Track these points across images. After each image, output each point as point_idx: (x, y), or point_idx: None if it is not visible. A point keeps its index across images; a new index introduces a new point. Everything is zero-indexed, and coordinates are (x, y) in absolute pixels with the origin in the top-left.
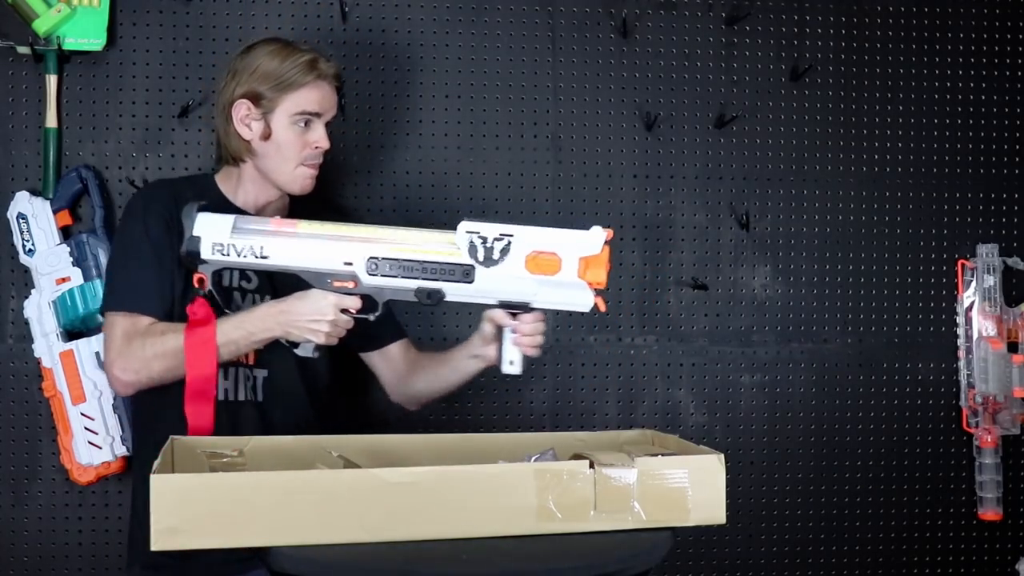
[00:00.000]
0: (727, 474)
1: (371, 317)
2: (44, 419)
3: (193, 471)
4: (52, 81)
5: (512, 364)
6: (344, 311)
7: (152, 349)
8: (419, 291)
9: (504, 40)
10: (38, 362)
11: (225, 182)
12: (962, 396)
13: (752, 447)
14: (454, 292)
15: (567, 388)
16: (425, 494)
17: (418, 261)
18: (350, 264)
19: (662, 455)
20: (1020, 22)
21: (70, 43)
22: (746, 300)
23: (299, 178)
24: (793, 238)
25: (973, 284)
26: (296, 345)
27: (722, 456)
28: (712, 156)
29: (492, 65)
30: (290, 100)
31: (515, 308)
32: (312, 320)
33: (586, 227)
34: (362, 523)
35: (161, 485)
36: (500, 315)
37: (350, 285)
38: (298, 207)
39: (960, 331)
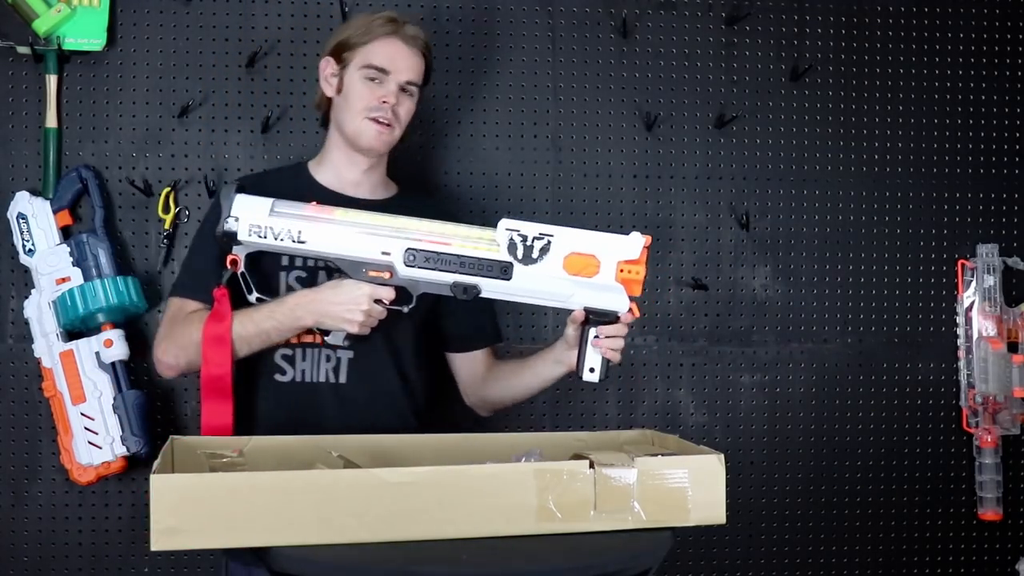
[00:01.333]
0: (727, 474)
1: (404, 309)
2: (44, 419)
3: (193, 471)
4: (52, 81)
5: (592, 371)
6: (378, 301)
7: (191, 336)
8: (455, 285)
9: (504, 40)
10: (38, 362)
11: (316, 164)
12: (962, 396)
13: (752, 447)
14: (490, 288)
15: (567, 388)
16: (425, 494)
17: (456, 255)
18: (387, 254)
19: (662, 455)
20: (1020, 22)
21: (70, 43)
22: (746, 300)
23: (364, 131)
24: (793, 238)
25: (973, 284)
26: (327, 333)
27: (722, 456)
28: (712, 156)
29: (492, 65)
30: (361, 54)
31: (598, 315)
32: (346, 309)
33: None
34: (362, 523)
35: (161, 485)
36: (580, 314)
37: (385, 275)
38: (399, 204)
39: (960, 331)
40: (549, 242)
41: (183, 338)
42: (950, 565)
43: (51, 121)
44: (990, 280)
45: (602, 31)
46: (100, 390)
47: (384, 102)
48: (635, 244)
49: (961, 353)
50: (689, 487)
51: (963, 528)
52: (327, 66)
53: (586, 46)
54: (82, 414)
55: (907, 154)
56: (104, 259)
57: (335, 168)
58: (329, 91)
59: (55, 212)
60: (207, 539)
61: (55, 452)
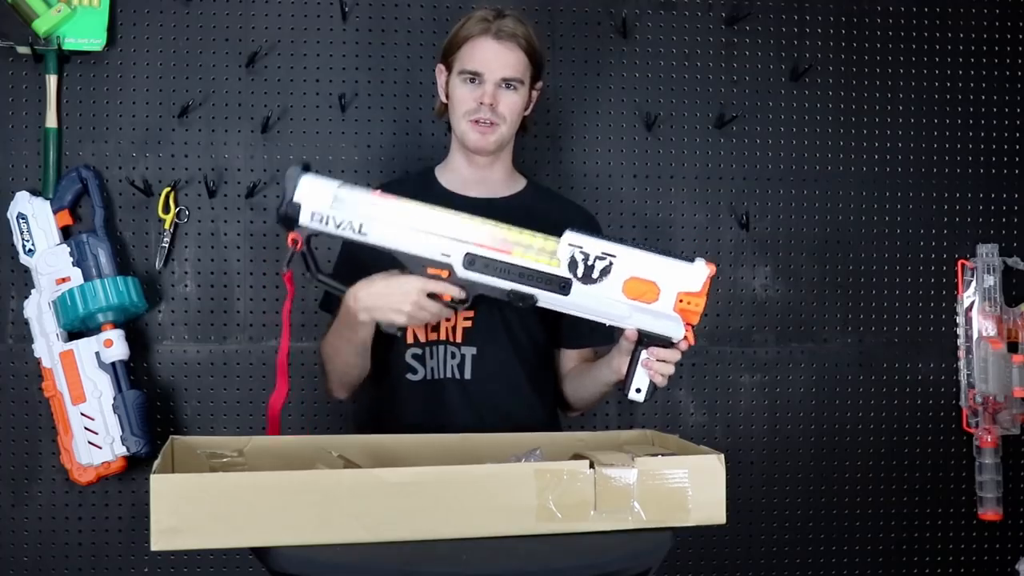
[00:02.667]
0: (727, 474)
1: (458, 308)
2: (44, 419)
3: (193, 471)
4: (52, 81)
5: (639, 392)
6: (432, 296)
7: (326, 357)
8: (512, 293)
9: None
10: (38, 362)
11: (441, 168)
12: (962, 396)
13: (752, 447)
14: (547, 300)
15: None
16: (425, 494)
17: (516, 265)
18: (448, 256)
19: (662, 455)
20: (1020, 22)
21: (70, 43)
22: (746, 300)
23: (467, 134)
24: (793, 238)
25: (973, 284)
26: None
27: (722, 456)
28: (712, 156)
29: None
30: (459, 58)
31: (652, 338)
32: (396, 300)
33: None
34: (362, 523)
35: (161, 485)
36: (632, 333)
37: (444, 274)
38: (518, 203)
39: (960, 331)
40: (611, 263)
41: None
42: (950, 565)
43: (51, 121)
44: (990, 280)
45: (602, 31)
46: (100, 390)
47: (481, 103)
48: (699, 275)
49: (961, 353)
50: (689, 487)
51: (963, 528)
52: (440, 73)
53: (586, 46)
54: (82, 414)
55: (907, 154)
56: (104, 259)
57: (457, 170)
58: (443, 97)
59: (55, 212)
60: (207, 539)
61: (55, 452)
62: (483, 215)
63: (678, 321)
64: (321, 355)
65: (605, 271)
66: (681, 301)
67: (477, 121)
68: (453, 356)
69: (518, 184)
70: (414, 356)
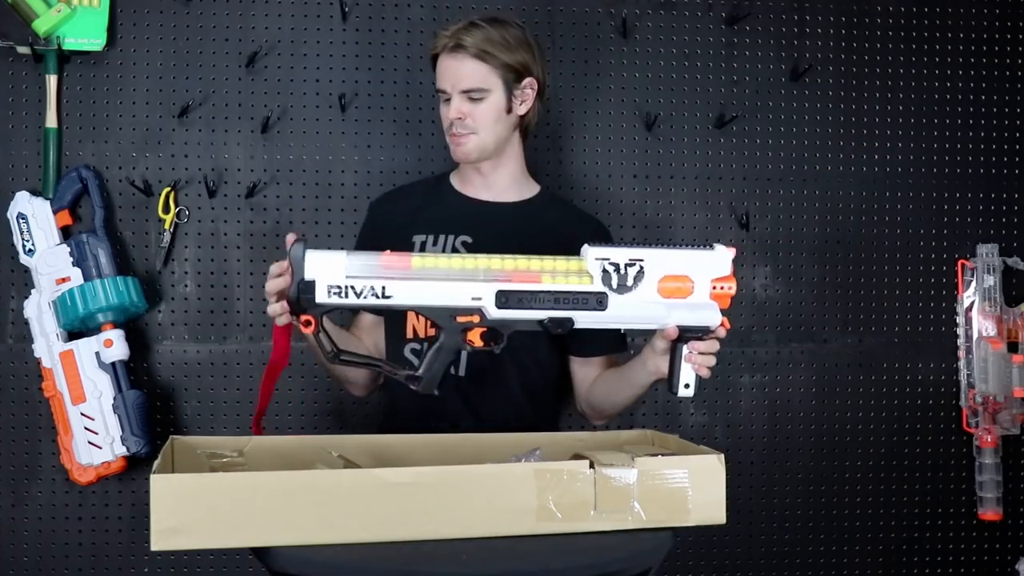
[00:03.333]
0: (727, 474)
1: (496, 350)
2: (44, 419)
3: (193, 471)
4: (52, 81)
5: (687, 387)
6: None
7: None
8: (549, 321)
9: None
10: (38, 362)
11: (455, 172)
12: (962, 396)
13: (752, 447)
14: (584, 320)
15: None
16: (425, 494)
17: (550, 292)
18: (479, 299)
19: (662, 455)
20: (1020, 22)
21: (70, 43)
22: (746, 300)
23: (450, 147)
24: (793, 238)
25: (973, 284)
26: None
27: (722, 456)
28: (712, 156)
29: None
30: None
31: (691, 331)
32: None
33: None
34: (362, 523)
35: (161, 485)
36: (673, 331)
37: (475, 319)
38: (527, 209)
39: (960, 331)
40: (642, 268)
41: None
42: (950, 565)
43: (51, 121)
44: (990, 280)
45: (602, 31)
46: (100, 390)
47: (452, 119)
48: (725, 259)
49: (961, 353)
50: (689, 487)
51: (963, 528)
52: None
53: (586, 46)
54: (82, 414)
55: (907, 154)
56: (104, 259)
57: (464, 175)
58: None
59: (55, 212)
60: (207, 539)
61: (55, 452)
62: (488, 218)
63: (714, 308)
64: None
65: (638, 276)
66: (715, 288)
67: (453, 135)
68: None
69: (530, 190)
70: (412, 351)
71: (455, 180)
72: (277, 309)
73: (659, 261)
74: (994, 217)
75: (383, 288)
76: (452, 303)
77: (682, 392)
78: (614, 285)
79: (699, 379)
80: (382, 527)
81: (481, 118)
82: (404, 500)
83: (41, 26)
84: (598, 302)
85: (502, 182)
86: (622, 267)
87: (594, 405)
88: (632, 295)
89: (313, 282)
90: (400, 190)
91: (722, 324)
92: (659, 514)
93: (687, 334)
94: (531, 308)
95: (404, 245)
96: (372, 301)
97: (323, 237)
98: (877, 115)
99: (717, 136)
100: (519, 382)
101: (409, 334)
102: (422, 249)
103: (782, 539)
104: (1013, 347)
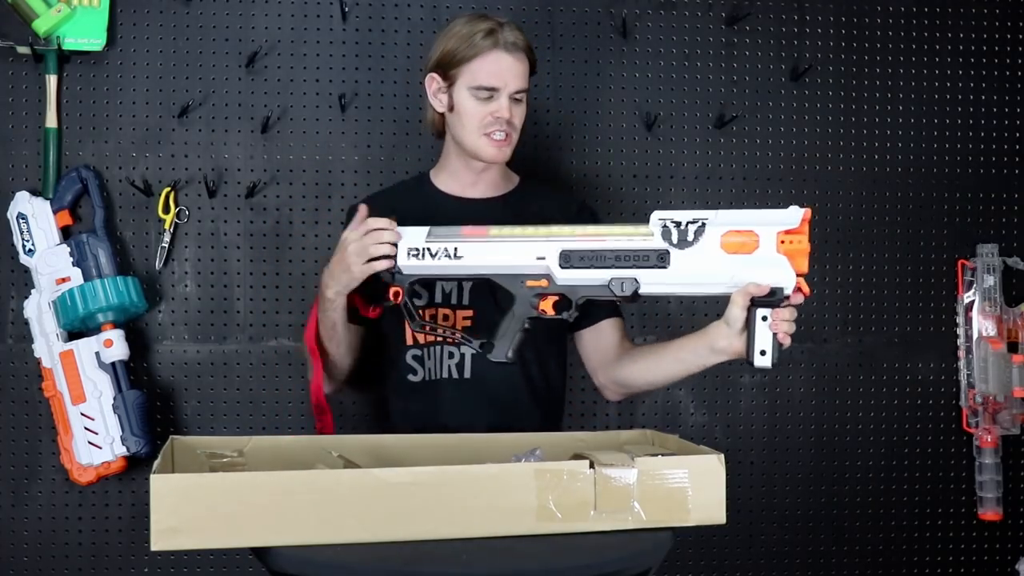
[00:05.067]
0: (727, 474)
1: (568, 317)
2: (44, 419)
3: (193, 471)
4: (52, 81)
5: (764, 355)
6: (540, 303)
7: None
8: (613, 281)
9: None
10: (38, 362)
11: (437, 172)
12: (962, 396)
13: (752, 447)
14: (649, 280)
15: (568, 388)
16: (425, 494)
17: (611, 250)
18: (543, 258)
19: (662, 455)
20: (1020, 22)
21: (70, 43)
22: None
23: (483, 148)
24: None
25: (973, 284)
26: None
27: (722, 456)
28: (712, 156)
29: None
30: (467, 72)
31: (766, 298)
32: (339, 259)
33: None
34: (362, 523)
35: (161, 485)
36: (758, 288)
37: (543, 284)
38: (517, 198)
39: (960, 331)
40: (704, 224)
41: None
42: (950, 565)
43: (51, 121)
44: (990, 280)
45: (602, 31)
46: (100, 390)
47: (498, 117)
48: (795, 215)
49: (961, 353)
50: (689, 487)
51: (963, 528)
52: (432, 83)
53: (586, 46)
54: (82, 414)
55: (907, 154)
56: (104, 259)
57: (455, 174)
58: (440, 108)
59: (55, 212)
60: (207, 539)
61: (55, 452)
62: (482, 213)
63: (786, 264)
64: (307, 349)
65: (700, 231)
66: (783, 242)
67: (493, 134)
68: (451, 356)
69: (512, 181)
70: (414, 357)
71: (437, 180)
72: (382, 259)
73: (722, 218)
74: (994, 217)
75: (456, 249)
76: (518, 263)
77: (759, 361)
78: (675, 240)
79: (779, 348)
80: (382, 527)
81: (520, 119)
82: (404, 500)
83: (41, 26)
84: (659, 258)
85: (494, 178)
86: (683, 223)
87: (623, 380)
88: (694, 250)
89: (396, 245)
90: (385, 194)
91: (798, 288)
92: (659, 514)
93: (760, 301)
94: (594, 267)
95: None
96: (446, 262)
97: (323, 237)
98: (877, 115)
99: (717, 136)
100: (526, 382)
101: (409, 341)
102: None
103: (782, 539)
104: (1013, 347)
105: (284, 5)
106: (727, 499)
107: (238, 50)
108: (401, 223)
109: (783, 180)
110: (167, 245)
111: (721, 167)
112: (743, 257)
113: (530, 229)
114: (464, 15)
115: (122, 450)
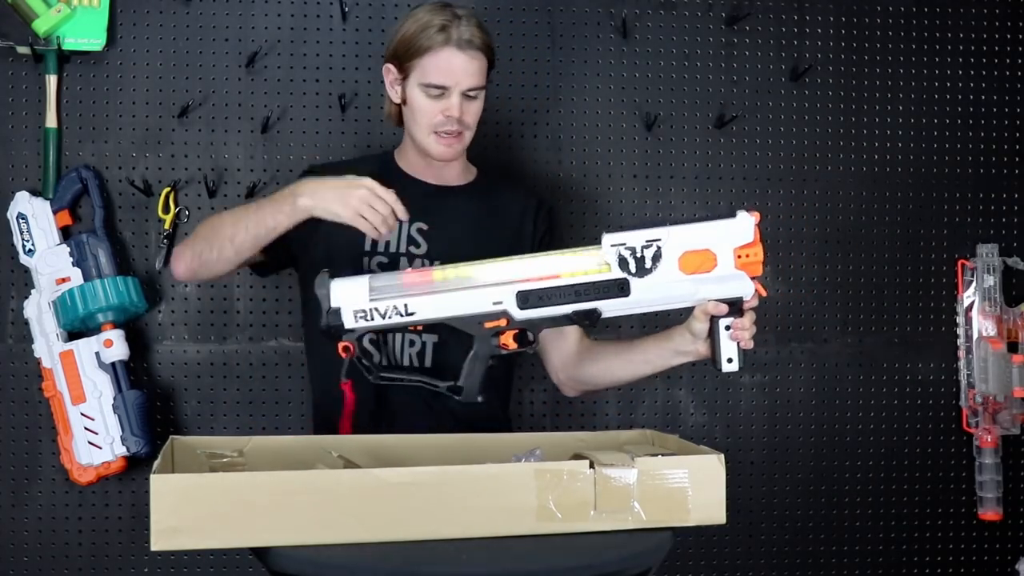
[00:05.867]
0: (727, 474)
1: (530, 350)
2: (44, 419)
3: (193, 471)
4: (52, 81)
5: (731, 362)
6: (500, 343)
7: (194, 233)
8: (575, 314)
9: (504, 40)
10: (38, 362)
11: (402, 154)
12: (962, 396)
13: (752, 447)
14: (611, 307)
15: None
16: (425, 494)
17: (569, 286)
18: (500, 303)
19: (662, 455)
20: (1020, 22)
21: (70, 43)
22: None
23: (432, 146)
24: (793, 238)
25: (973, 284)
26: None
27: (722, 456)
28: (712, 156)
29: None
30: (418, 68)
31: (730, 304)
32: (343, 193)
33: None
34: (362, 523)
35: (161, 485)
36: (716, 307)
37: (502, 323)
38: (474, 190)
39: (960, 331)
40: (659, 248)
41: (192, 235)
42: (950, 565)
43: (51, 121)
44: (990, 280)
45: (602, 31)
46: (100, 390)
47: (449, 116)
48: (746, 226)
49: (961, 353)
50: (689, 487)
51: (963, 528)
52: (388, 73)
53: (586, 46)
54: (82, 414)
55: (907, 154)
56: (104, 259)
57: (414, 163)
58: (396, 98)
59: (55, 212)
60: (207, 539)
61: (55, 452)
62: (441, 203)
63: (743, 277)
64: (198, 232)
65: (657, 257)
66: (740, 257)
67: (443, 133)
68: (412, 344)
69: (472, 172)
70: (371, 342)
71: (402, 161)
72: (364, 223)
73: (677, 239)
74: (994, 217)
75: (405, 306)
76: (475, 310)
77: (726, 367)
78: (633, 270)
79: (742, 352)
80: (382, 527)
81: (474, 116)
82: (404, 500)
83: (41, 26)
84: (620, 288)
85: (455, 168)
86: (638, 250)
87: (586, 379)
88: (653, 276)
89: (339, 308)
90: (349, 166)
91: (756, 292)
92: (659, 514)
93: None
94: (554, 304)
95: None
96: (398, 320)
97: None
98: (877, 115)
99: (717, 136)
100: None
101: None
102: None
103: (782, 539)
104: (1013, 347)
105: (284, 5)
106: (727, 499)
107: (238, 50)
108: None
109: (783, 180)
110: (167, 245)
111: (721, 167)
112: (703, 275)
113: (475, 267)
114: (425, 5)
115: (122, 450)
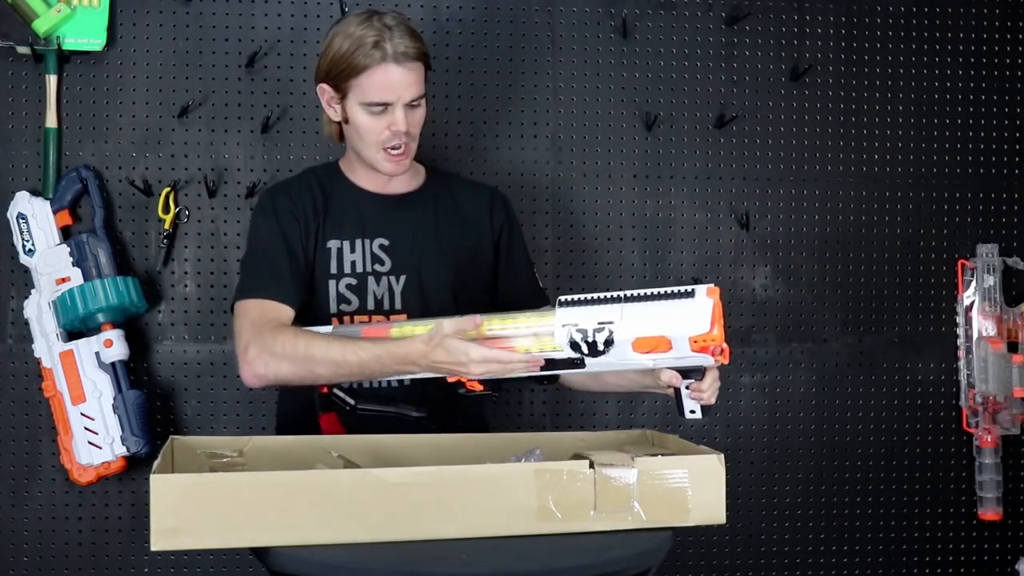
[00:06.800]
0: (727, 474)
1: (494, 398)
2: (44, 419)
3: (193, 471)
4: (52, 81)
5: (693, 413)
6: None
7: (283, 347)
8: (533, 377)
9: (504, 40)
10: (38, 362)
11: (349, 166)
12: (962, 396)
13: (752, 447)
14: (569, 375)
15: (567, 388)
16: (425, 494)
17: (524, 362)
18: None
19: (662, 455)
20: (1020, 22)
21: (70, 43)
22: (746, 300)
23: (381, 162)
24: (793, 238)
25: (973, 284)
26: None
27: (722, 456)
28: (712, 156)
29: (492, 65)
30: (356, 88)
31: (689, 371)
32: (456, 364)
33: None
34: (362, 523)
35: (161, 485)
36: (673, 377)
37: (462, 379)
38: (424, 195)
39: (960, 331)
40: (611, 333)
41: (276, 348)
42: (950, 565)
43: (51, 121)
44: (990, 280)
45: (602, 31)
46: (100, 390)
47: (395, 132)
48: (703, 311)
49: (961, 353)
50: (689, 487)
51: (963, 528)
52: (324, 93)
53: (586, 46)
54: (82, 414)
55: (907, 154)
56: (104, 259)
57: (363, 177)
58: (336, 116)
59: (55, 212)
60: (207, 539)
61: (55, 452)
62: (397, 213)
63: (702, 356)
64: (287, 349)
65: (608, 342)
66: (696, 342)
67: (392, 148)
68: (379, 283)
69: (421, 173)
70: (347, 286)
71: (350, 173)
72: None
73: (628, 323)
74: (994, 217)
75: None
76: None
77: (689, 416)
78: (585, 351)
79: (706, 407)
80: (382, 527)
81: (419, 124)
82: (404, 500)
83: (41, 26)
84: (574, 364)
85: (402, 177)
86: (589, 333)
87: (565, 382)
88: (608, 357)
89: None
90: (298, 183)
91: (722, 355)
92: (659, 514)
93: (683, 374)
94: (514, 374)
95: (320, 248)
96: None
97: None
98: (877, 115)
99: (717, 136)
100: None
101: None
102: (339, 256)
103: (782, 539)
104: (1013, 347)
105: (284, 5)
106: (727, 499)
107: (238, 50)
108: (323, 221)
109: (783, 180)
110: (167, 245)
111: (721, 167)
112: (658, 355)
113: (430, 326)
114: (353, 14)
115: (122, 450)
